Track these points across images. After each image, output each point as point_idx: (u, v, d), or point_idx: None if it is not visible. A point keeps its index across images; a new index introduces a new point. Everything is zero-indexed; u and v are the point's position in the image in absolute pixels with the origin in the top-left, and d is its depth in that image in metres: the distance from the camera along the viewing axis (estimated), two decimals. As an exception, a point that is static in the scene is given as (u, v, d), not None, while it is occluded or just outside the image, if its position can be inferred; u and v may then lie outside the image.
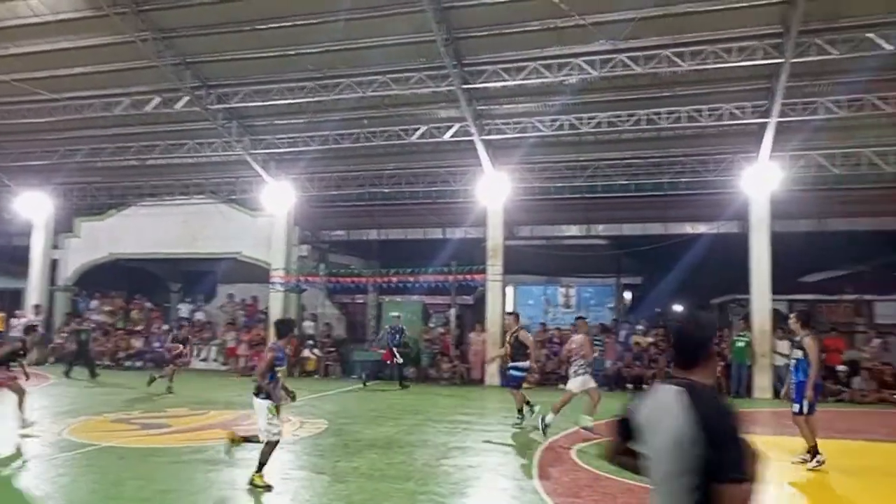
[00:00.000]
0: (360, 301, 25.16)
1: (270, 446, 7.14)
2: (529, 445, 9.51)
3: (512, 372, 11.44)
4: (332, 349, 19.79)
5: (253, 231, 20.84)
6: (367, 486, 7.24)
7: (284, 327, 8.03)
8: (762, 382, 15.86)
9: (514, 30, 14.11)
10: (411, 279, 19.62)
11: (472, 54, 15.04)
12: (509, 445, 9.66)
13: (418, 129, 17.48)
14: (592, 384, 10.46)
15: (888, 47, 12.63)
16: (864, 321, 20.91)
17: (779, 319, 17.24)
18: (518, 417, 11.09)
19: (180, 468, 8.02)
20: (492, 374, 17.77)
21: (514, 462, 8.53)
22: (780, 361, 15.96)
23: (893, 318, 20.86)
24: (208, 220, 21.13)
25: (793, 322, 8.84)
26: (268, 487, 7.01)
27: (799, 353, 8.42)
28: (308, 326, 20.98)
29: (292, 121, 18.23)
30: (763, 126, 15.14)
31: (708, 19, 13.23)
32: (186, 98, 16.97)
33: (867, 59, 13.16)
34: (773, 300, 16.93)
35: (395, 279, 19.74)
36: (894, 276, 22.50)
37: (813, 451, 8.29)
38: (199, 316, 23.45)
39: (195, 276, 25.18)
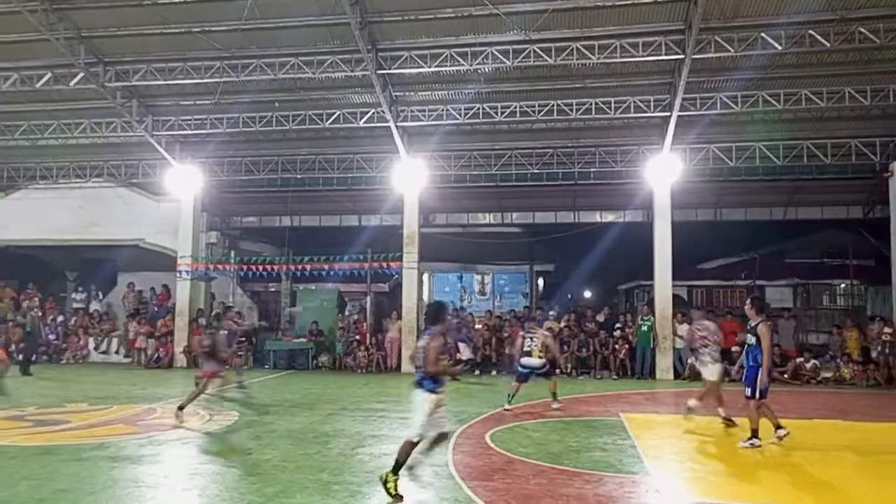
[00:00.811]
0: (273, 289, 24.63)
1: (412, 445, 6.50)
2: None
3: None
4: (243, 339, 19.22)
5: (157, 217, 19.91)
6: (279, 478, 7.10)
7: (439, 311, 7.14)
8: (664, 364, 16.68)
9: (429, 16, 14.06)
10: (326, 267, 19.34)
11: (387, 39, 14.89)
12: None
13: (333, 113, 17.17)
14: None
15: (778, 47, 13.47)
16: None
17: (679, 304, 18.20)
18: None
19: (81, 466, 7.58)
20: (408, 361, 17.83)
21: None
22: (680, 344, 16.88)
23: (782, 302, 22.50)
24: (107, 205, 20.03)
25: (748, 308, 9.07)
26: (398, 497, 6.33)
27: (752, 339, 8.76)
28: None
29: (199, 101, 17.47)
30: (666, 119, 15.85)
31: (616, 14, 13.66)
32: (81, 74, 15.91)
33: (760, 58, 14.00)
34: (674, 286, 17.84)
35: (309, 267, 19.39)
36: (782, 263, 24.23)
37: (754, 433, 8.63)
38: (97, 306, 22.22)
39: (93, 264, 23.78)
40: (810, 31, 13.28)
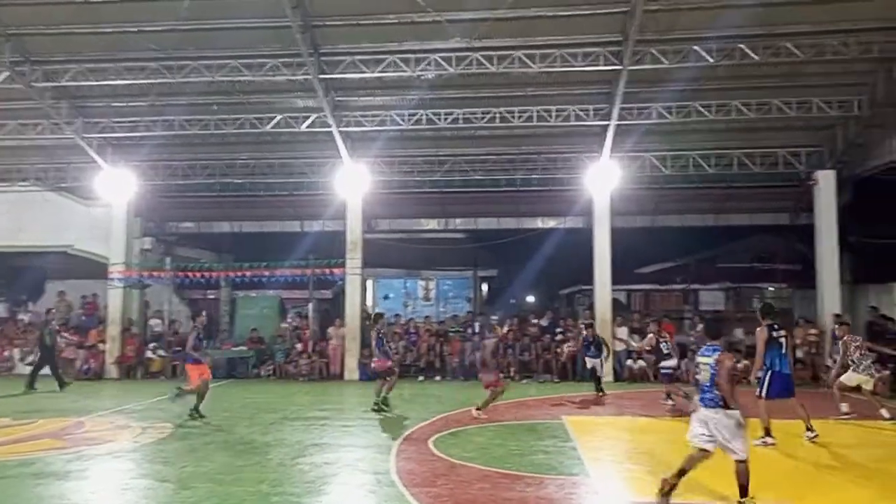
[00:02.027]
0: (212, 297, 23.98)
1: (745, 464, 6.13)
2: (388, 439, 9.53)
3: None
4: (180, 348, 18.62)
5: (87, 222, 19.11)
6: (216, 491, 6.90)
7: (720, 325, 6.98)
8: (605, 367, 16.96)
9: (372, 21, 14.01)
10: (267, 273, 18.94)
11: (329, 43, 14.75)
12: (368, 440, 9.62)
13: (273, 118, 16.88)
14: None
15: (710, 59, 13.99)
16: (690, 308, 23.15)
17: (618, 308, 18.62)
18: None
19: (4, 484, 7.19)
20: (351, 369, 17.65)
21: (373, 456, 8.50)
22: (620, 347, 17.28)
23: (714, 305, 23.32)
24: (34, 210, 19.09)
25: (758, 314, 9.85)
26: None
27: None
28: (155, 324, 19.63)
29: (132, 103, 16.90)
30: (605, 128, 16.22)
31: (556, 24, 13.91)
32: (6, 73, 15.16)
33: (693, 70, 14.50)
34: (614, 290, 18.24)
35: (249, 273, 18.95)
36: (715, 267, 25.10)
37: (766, 432, 9.15)
38: (23, 316, 21.16)
39: (20, 271, 22.62)
40: (740, 45, 13.85)
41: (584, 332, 13.84)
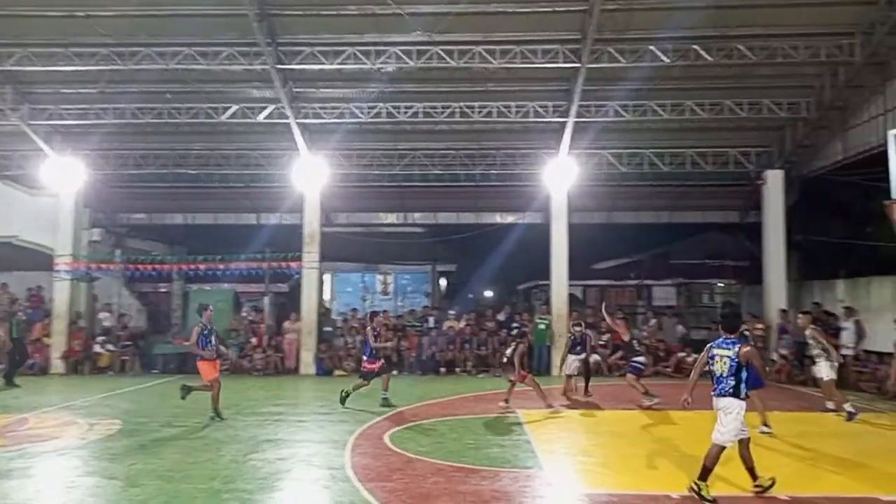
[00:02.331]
0: (164, 290, 23.44)
1: (721, 449, 6.43)
2: (344, 434, 9.48)
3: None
4: (129, 343, 18.18)
5: (33, 212, 18.44)
6: (166, 489, 6.76)
7: (737, 320, 7.14)
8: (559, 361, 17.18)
9: (332, 12, 13.85)
10: (221, 266, 18.59)
11: (287, 33, 14.53)
12: (323, 435, 9.54)
13: (229, 107, 16.56)
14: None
15: (665, 59, 14.27)
16: (643, 303, 23.61)
17: (574, 303, 18.86)
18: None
19: (-66, 486, 6.90)
20: (307, 363, 17.48)
21: (328, 451, 8.44)
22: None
23: (667, 300, 23.83)
24: (-25, 199, 18.33)
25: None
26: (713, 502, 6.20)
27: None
28: (104, 318, 19.07)
29: (82, 90, 16.37)
30: (563, 125, 16.39)
31: (516, 21, 13.99)
32: (-55, 56, 14.52)
33: (649, 69, 14.77)
34: (570, 286, 18.48)
35: (202, 266, 18.57)
36: (668, 264, 25.64)
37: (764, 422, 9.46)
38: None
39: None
40: (694, 47, 14.17)
41: (573, 330, 13.51)
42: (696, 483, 6.29)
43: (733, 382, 6.44)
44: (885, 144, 10.54)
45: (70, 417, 10.82)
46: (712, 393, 6.62)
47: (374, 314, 13.03)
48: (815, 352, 11.00)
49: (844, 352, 15.05)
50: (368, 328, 12.31)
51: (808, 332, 11.17)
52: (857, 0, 13.32)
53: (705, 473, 6.32)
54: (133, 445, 8.81)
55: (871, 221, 18.21)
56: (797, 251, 19.01)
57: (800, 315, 12.09)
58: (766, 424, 9.50)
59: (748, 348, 6.60)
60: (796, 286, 18.79)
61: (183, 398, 10.74)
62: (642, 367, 12.55)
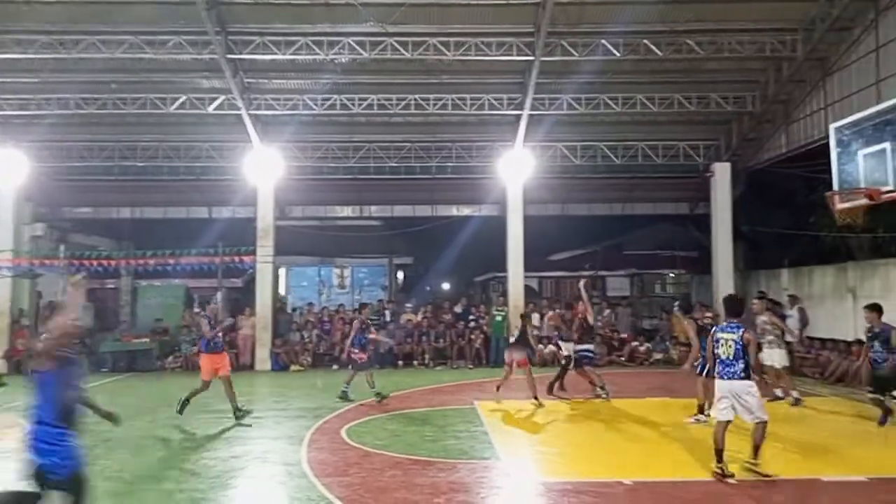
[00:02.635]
0: (112, 286, 22.80)
1: (765, 425, 6.81)
2: (300, 429, 9.38)
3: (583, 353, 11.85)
4: (77, 340, 17.57)
5: (-31, 207, 17.66)
6: (115, 490, 6.59)
7: (741, 304, 7.48)
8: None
9: (283, 1, 13.60)
10: (171, 261, 18.12)
11: (237, 22, 14.22)
12: (279, 431, 9.43)
13: (178, 98, 16.13)
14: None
15: (617, 53, 14.49)
16: (598, 294, 24.00)
17: (530, 295, 19.06)
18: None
19: None
20: (262, 359, 17.23)
21: (283, 447, 8.35)
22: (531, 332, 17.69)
23: (621, 291, 24.31)
24: None
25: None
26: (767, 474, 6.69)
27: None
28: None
29: (23, 79, 15.70)
30: (518, 117, 16.49)
31: (470, 13, 13.98)
32: None
33: (601, 63, 14.97)
34: (526, 277, 18.66)
35: (152, 262, 18.07)
36: (621, 255, 26.15)
37: (699, 409, 9.68)
38: None
39: None
40: (644, 41, 14.41)
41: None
42: (750, 462, 6.81)
43: (742, 365, 6.76)
44: (826, 138, 10.89)
45: (13, 419, 10.40)
46: (720, 377, 6.91)
47: (364, 305, 13.01)
48: (769, 338, 11.10)
49: (789, 338, 15.63)
50: (357, 320, 12.12)
51: (763, 318, 11.31)
52: (799, -3, 13.75)
53: (756, 451, 6.84)
54: (81, 446, 8.53)
55: (814, 212, 18.92)
56: (743, 241, 19.59)
57: (754, 301, 12.26)
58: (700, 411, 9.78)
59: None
60: (743, 275, 19.37)
61: (180, 412, 10.15)
62: (593, 355, 12.51)
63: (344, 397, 11.59)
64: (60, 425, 4.51)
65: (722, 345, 6.91)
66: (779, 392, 11.28)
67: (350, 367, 11.99)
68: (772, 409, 10.77)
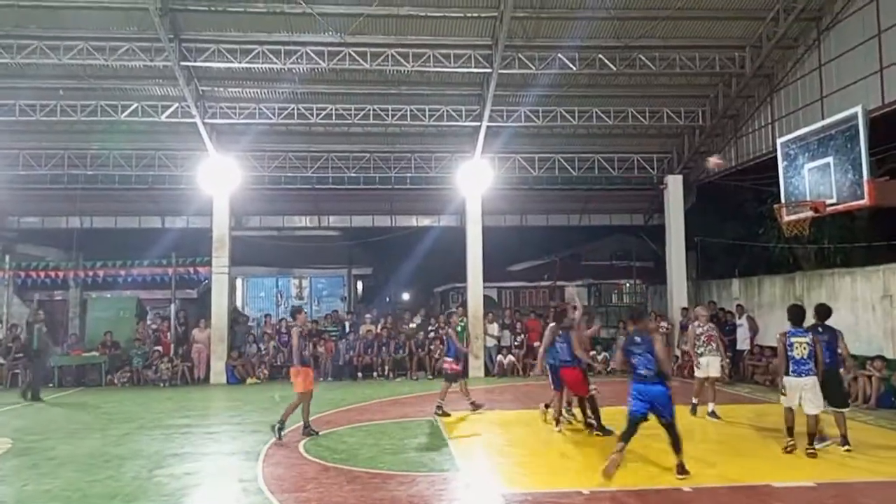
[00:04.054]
0: (60, 298, 22.03)
1: (817, 416, 8.07)
2: (256, 444, 9.19)
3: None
4: (21, 355, 16.92)
5: None
6: (61, 511, 6.34)
7: (802, 312, 8.45)
8: (476, 363, 17.40)
9: (239, 9, 13.42)
10: (123, 272, 17.65)
11: (192, 30, 13.97)
12: (234, 447, 9.22)
13: (129, 105, 15.77)
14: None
15: (573, 67, 14.74)
16: (556, 304, 24.26)
17: (490, 305, 19.14)
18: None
19: None
20: (217, 372, 16.86)
21: (239, 464, 8.16)
22: (491, 343, 17.80)
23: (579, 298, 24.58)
24: None
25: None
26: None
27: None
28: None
29: (-37, 85, 15.13)
30: (476, 129, 16.61)
31: (429, 24, 14.04)
32: None
33: (557, 76, 15.22)
34: (486, 287, 18.74)
35: (102, 273, 17.56)
36: (579, 265, 26.52)
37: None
38: None
39: None
40: (599, 56, 14.70)
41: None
42: (810, 446, 7.94)
43: (812, 364, 7.99)
44: (774, 151, 11.27)
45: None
46: (794, 374, 8.02)
47: (452, 314, 12.79)
48: (710, 346, 10.83)
49: (740, 347, 16.02)
50: (450, 329, 11.79)
51: (708, 327, 11.09)
52: (746, 15, 14.19)
53: (812, 438, 8.01)
54: (25, 465, 8.21)
55: (763, 224, 19.54)
56: (696, 252, 20.09)
57: (698, 308, 12.34)
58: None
59: (816, 338, 8.15)
60: (696, 285, 19.85)
61: (279, 437, 9.27)
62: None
63: (440, 412, 11.09)
64: None
65: (796, 347, 8.04)
66: (695, 399, 10.92)
67: (445, 378, 11.57)
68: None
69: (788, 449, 8.10)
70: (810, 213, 9.93)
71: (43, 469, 7.99)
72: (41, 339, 14.63)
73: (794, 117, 14.82)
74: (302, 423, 9.77)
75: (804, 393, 7.99)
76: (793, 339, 8.10)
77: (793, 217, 10.32)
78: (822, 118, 12.10)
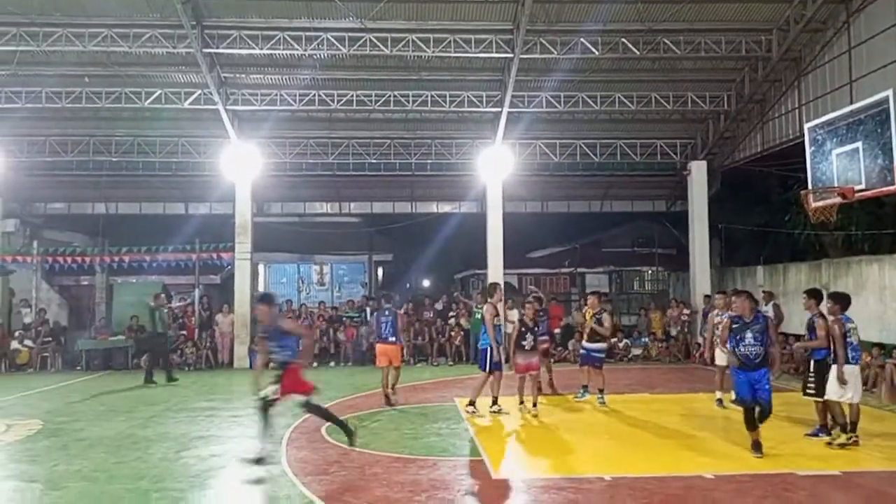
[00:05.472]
0: (86, 283, 22.42)
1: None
2: (279, 428, 9.29)
3: (593, 353, 11.15)
4: (50, 339, 17.31)
5: (-61, 203, 17.26)
6: (90, 491, 6.49)
7: (848, 299, 8.27)
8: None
9: (260, -4, 13.47)
10: (148, 258, 17.89)
11: (214, 16, 14.04)
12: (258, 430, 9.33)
13: (153, 92, 15.92)
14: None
15: (595, 51, 14.57)
16: (577, 290, 24.19)
17: (510, 291, 19.09)
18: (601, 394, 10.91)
19: None
20: (241, 356, 17.07)
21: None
22: (511, 329, 17.75)
23: (599, 287, 24.48)
24: None
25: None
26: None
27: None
28: (25, 314, 18.06)
29: (-9, 72, 15.38)
30: (497, 115, 16.52)
31: (450, 9, 13.96)
32: None
33: (580, 61, 15.06)
34: (506, 274, 18.69)
35: (127, 258, 17.82)
36: (600, 252, 26.35)
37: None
38: None
39: None
40: (623, 40, 14.50)
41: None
42: (851, 435, 7.76)
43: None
44: (801, 137, 11.08)
45: (-7, 420, 10.24)
46: (853, 361, 7.79)
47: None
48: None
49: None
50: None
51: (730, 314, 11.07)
52: (773, -2, 13.92)
53: (854, 426, 7.83)
54: (55, 446, 8.41)
55: (789, 210, 19.23)
56: (720, 239, 19.86)
57: (716, 296, 12.04)
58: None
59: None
60: (719, 272, 19.64)
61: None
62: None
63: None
64: None
65: (853, 333, 7.83)
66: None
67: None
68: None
69: (854, 440, 7.73)
70: (838, 200, 9.73)
71: (72, 450, 8.18)
72: (164, 321, 14.92)
73: (822, 101, 14.52)
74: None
75: (857, 381, 7.82)
76: (849, 326, 7.84)
77: (820, 203, 10.13)
78: (851, 102, 11.84)
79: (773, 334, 7.68)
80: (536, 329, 10.39)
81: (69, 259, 17.87)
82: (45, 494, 6.42)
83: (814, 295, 8.55)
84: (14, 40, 13.94)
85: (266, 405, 7.29)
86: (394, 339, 10.99)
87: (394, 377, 11.17)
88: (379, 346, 11.15)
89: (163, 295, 16.10)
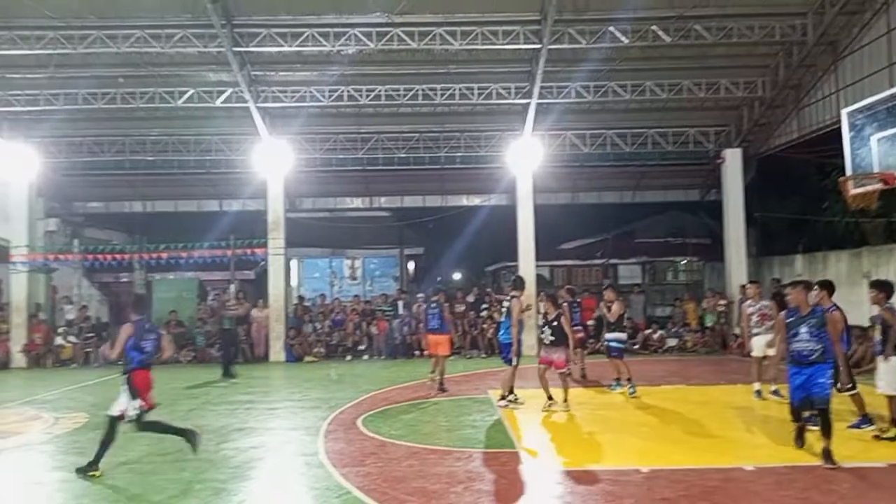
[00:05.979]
0: (126, 280, 22.98)
1: None
2: (316, 420, 9.45)
3: (610, 344, 11.39)
4: (92, 334, 17.79)
5: (-17, 203, 17.80)
6: (135, 481, 6.67)
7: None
8: (529, 340, 17.33)
9: (289, -7, 13.60)
10: (184, 255, 18.24)
11: (243, 15, 14.23)
12: (295, 422, 9.51)
13: (185, 92, 16.19)
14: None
15: (624, 40, 14.39)
16: (610, 282, 23.96)
17: (542, 283, 19.04)
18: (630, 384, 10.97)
19: None
20: (276, 350, 17.34)
21: (300, 438, 8.41)
22: (543, 321, 17.69)
23: (632, 278, 24.25)
24: (-79, 190, 17.62)
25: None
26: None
27: None
28: (68, 310, 18.60)
29: (30, 75, 15.81)
30: (526, 106, 16.43)
31: (477, 2, 13.95)
32: None
33: (609, 50, 14.88)
34: (538, 266, 18.65)
35: (164, 255, 18.20)
36: (632, 242, 26.06)
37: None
38: None
39: None
40: (652, 27, 14.30)
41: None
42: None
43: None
44: (838, 122, 10.80)
45: (34, 412, 10.57)
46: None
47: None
48: (767, 325, 10.33)
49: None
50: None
51: (763, 303, 10.68)
52: (809, -20, 13.60)
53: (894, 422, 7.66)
54: (100, 439, 8.64)
55: (827, 197, 18.78)
56: (756, 228, 19.49)
57: (748, 285, 11.82)
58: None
59: None
60: (756, 262, 19.29)
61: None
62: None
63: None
64: None
65: None
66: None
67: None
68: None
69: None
70: (879, 186, 9.46)
71: (117, 442, 8.36)
72: (232, 319, 15.45)
73: (861, 86, 14.13)
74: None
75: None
76: None
77: (859, 190, 9.86)
78: (891, 86, 11.51)
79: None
80: (555, 323, 10.00)
81: (108, 257, 18.30)
82: (92, 486, 6.62)
83: (884, 287, 7.87)
84: (51, 44, 14.32)
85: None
86: (443, 328, 11.64)
87: (441, 367, 11.55)
88: (430, 337, 11.79)
89: (226, 296, 16.69)
